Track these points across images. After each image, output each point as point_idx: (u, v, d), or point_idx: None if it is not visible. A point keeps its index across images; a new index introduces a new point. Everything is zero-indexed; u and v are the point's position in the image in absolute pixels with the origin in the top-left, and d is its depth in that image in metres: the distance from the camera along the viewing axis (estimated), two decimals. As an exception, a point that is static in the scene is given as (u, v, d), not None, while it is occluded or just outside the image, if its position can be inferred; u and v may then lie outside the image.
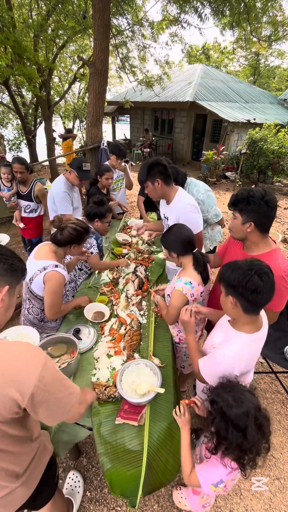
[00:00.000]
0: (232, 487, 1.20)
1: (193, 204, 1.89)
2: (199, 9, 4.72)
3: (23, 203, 3.11)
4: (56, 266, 1.61)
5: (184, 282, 1.53)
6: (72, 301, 1.90)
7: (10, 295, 0.86)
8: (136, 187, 3.70)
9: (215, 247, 3.06)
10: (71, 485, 1.67)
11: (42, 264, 1.60)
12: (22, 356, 0.77)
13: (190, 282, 1.53)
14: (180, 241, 1.56)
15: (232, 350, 1.15)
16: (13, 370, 0.73)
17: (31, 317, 1.77)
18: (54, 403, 0.82)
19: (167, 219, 2.00)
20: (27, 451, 0.96)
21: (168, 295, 1.73)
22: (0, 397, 0.71)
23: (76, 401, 0.90)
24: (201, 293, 1.58)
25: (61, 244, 1.66)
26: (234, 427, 0.92)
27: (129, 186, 3.50)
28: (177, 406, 1.27)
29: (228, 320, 1.28)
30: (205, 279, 1.60)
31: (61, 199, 2.57)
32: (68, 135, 6.89)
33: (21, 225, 3.19)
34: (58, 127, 12.35)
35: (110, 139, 13.81)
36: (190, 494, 1.41)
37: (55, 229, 1.69)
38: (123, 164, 3.26)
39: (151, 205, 3.48)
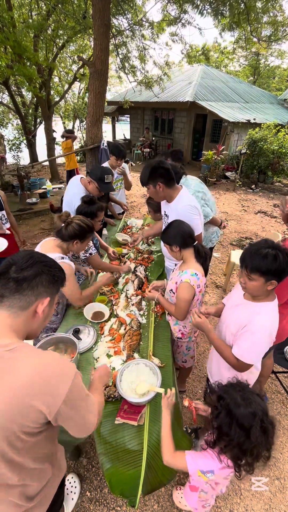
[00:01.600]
0: (225, 486, 1.18)
1: (193, 205, 1.89)
2: (199, 7, 4.70)
3: None
4: (62, 258, 1.66)
5: (190, 273, 1.56)
6: (97, 283, 1.99)
7: (50, 305, 0.87)
8: (136, 188, 3.69)
9: (211, 248, 3.05)
10: (67, 489, 1.64)
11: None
12: (53, 368, 0.74)
13: (196, 273, 1.57)
14: (182, 234, 1.60)
15: (268, 317, 1.22)
16: (43, 382, 0.71)
17: None
18: (78, 420, 0.80)
19: (168, 217, 2.01)
20: (47, 469, 0.91)
21: (171, 290, 1.73)
22: (26, 408, 0.69)
23: (96, 419, 0.88)
24: (204, 284, 1.62)
25: (65, 239, 1.72)
26: (239, 425, 0.91)
27: (128, 187, 3.50)
28: (169, 390, 1.27)
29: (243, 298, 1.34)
30: (205, 271, 1.64)
31: (78, 202, 2.53)
32: (68, 135, 6.87)
33: (8, 231, 2.81)
34: (58, 127, 12.34)
35: (110, 139, 13.81)
36: (188, 491, 1.40)
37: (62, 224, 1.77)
38: (123, 165, 3.25)
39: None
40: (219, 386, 1.06)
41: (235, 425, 0.91)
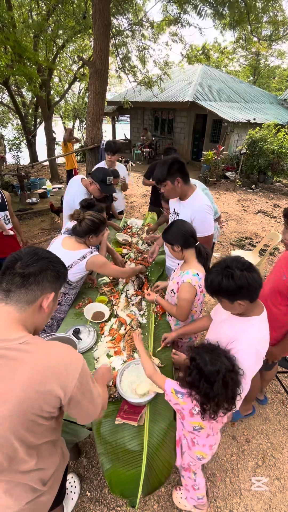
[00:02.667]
0: (205, 446, 1.27)
1: (209, 205, 1.88)
2: (198, 7, 4.70)
3: (1, 214, 2.73)
4: (91, 252, 1.83)
5: (192, 274, 1.56)
6: (132, 268, 2.23)
7: (54, 300, 0.90)
8: (136, 188, 3.69)
9: (213, 244, 3.09)
10: (66, 488, 1.63)
11: (80, 254, 1.80)
12: (65, 357, 0.80)
13: (197, 273, 1.56)
14: (184, 234, 1.59)
15: (254, 335, 1.20)
16: (57, 369, 0.77)
17: None
18: (86, 404, 0.86)
19: (177, 215, 1.98)
20: (56, 454, 0.96)
21: (172, 290, 1.73)
22: (44, 394, 0.74)
23: (101, 405, 0.95)
24: None
25: (81, 235, 1.84)
26: (206, 380, 1.05)
27: (124, 188, 3.50)
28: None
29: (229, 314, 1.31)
30: (206, 271, 1.63)
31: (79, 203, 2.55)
32: (69, 138, 6.83)
33: (11, 232, 2.82)
34: (58, 127, 12.35)
35: (110, 139, 13.80)
36: (184, 490, 1.46)
37: (74, 222, 1.90)
38: (122, 171, 3.24)
39: (157, 196, 3.52)
40: (192, 348, 1.16)
41: (203, 381, 1.06)
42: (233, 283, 1.10)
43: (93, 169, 2.77)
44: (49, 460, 0.91)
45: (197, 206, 1.85)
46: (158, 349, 1.67)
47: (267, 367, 1.82)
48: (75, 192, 2.51)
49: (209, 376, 1.05)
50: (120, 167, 3.30)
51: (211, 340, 1.40)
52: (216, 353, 1.10)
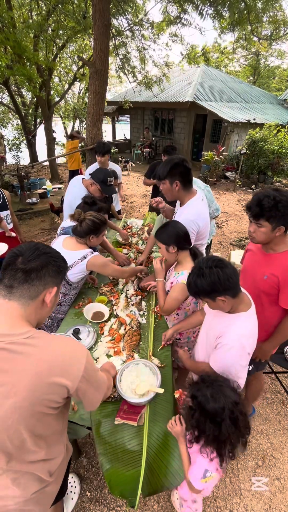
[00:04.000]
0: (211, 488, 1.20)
1: (196, 222, 1.79)
2: (199, 7, 4.70)
3: (2, 213, 2.71)
4: (92, 252, 1.83)
5: (187, 275, 1.54)
6: (134, 267, 2.23)
7: (56, 294, 0.91)
8: (136, 188, 3.69)
9: (209, 244, 3.12)
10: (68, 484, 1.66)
11: (81, 254, 1.80)
12: (70, 348, 0.83)
13: None
14: (178, 234, 1.58)
15: (239, 330, 1.19)
16: (64, 361, 0.79)
17: None
18: (92, 392, 0.90)
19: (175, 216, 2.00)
20: (62, 444, 0.98)
21: (168, 291, 1.73)
22: (52, 385, 0.76)
23: (107, 387, 1.01)
24: None
25: (82, 235, 1.84)
26: (211, 421, 0.97)
27: (118, 187, 3.51)
28: (173, 418, 1.25)
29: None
30: None
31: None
32: (77, 135, 6.81)
33: (13, 234, 2.82)
34: (58, 127, 12.35)
35: (110, 139, 13.82)
36: (180, 490, 1.43)
37: (75, 223, 1.88)
38: (116, 165, 3.24)
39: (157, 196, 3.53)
40: (191, 385, 1.11)
41: (208, 422, 0.98)
42: (205, 281, 1.12)
43: (89, 169, 2.76)
44: (55, 450, 0.93)
45: (183, 219, 1.75)
46: (160, 348, 1.66)
47: (259, 366, 1.81)
48: (76, 193, 2.51)
49: (214, 415, 0.98)
50: (114, 167, 3.31)
51: (202, 339, 1.41)
52: (218, 385, 1.04)
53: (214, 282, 1.11)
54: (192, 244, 1.83)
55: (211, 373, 1.27)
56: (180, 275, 1.58)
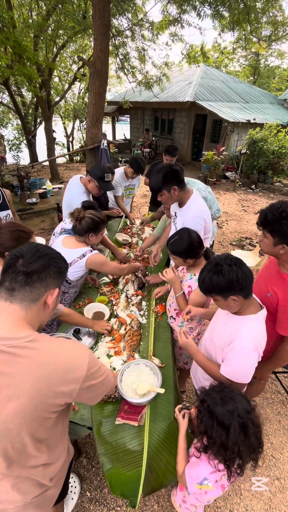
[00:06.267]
0: (226, 487, 1.18)
1: (203, 217, 1.83)
2: (197, 8, 4.70)
3: (2, 213, 2.66)
4: (91, 250, 1.83)
5: None
6: (132, 265, 2.23)
7: (58, 296, 0.90)
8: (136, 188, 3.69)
9: (211, 245, 3.11)
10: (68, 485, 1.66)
11: (80, 252, 1.80)
12: (72, 352, 0.82)
13: None
14: (193, 246, 1.55)
15: (251, 333, 1.17)
16: (67, 364, 0.79)
17: None
18: (94, 393, 0.89)
19: (177, 218, 1.99)
20: (63, 447, 0.97)
21: (184, 293, 1.71)
22: (55, 388, 0.76)
23: (110, 387, 0.98)
24: None
25: (81, 233, 1.85)
26: (218, 423, 0.94)
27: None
28: (178, 407, 1.27)
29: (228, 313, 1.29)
30: None
31: (79, 203, 2.54)
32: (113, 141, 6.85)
33: None
34: (58, 127, 12.35)
35: (110, 139, 13.79)
36: (177, 491, 1.42)
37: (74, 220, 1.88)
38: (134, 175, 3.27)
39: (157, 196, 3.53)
40: (201, 391, 1.09)
41: (215, 425, 0.94)
42: (223, 278, 1.11)
43: (92, 167, 2.76)
44: (56, 453, 0.92)
45: (189, 218, 1.81)
46: (186, 318, 1.57)
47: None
48: (75, 192, 2.51)
49: (221, 418, 0.94)
50: None
51: (207, 341, 1.39)
52: (228, 391, 1.02)
53: (232, 280, 1.10)
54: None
55: (214, 376, 1.27)
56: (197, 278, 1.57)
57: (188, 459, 1.15)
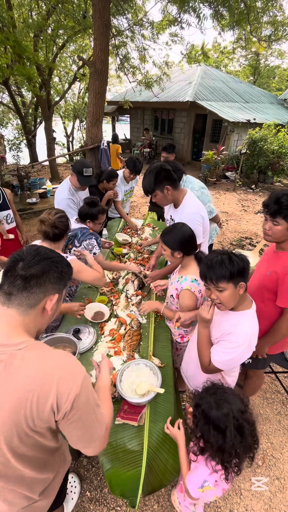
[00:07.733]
0: (225, 487, 1.18)
1: (200, 214, 1.83)
2: (197, 10, 4.71)
3: (2, 214, 2.68)
4: (67, 257, 1.67)
5: (190, 280, 1.55)
6: (123, 264, 2.26)
7: (58, 301, 0.86)
8: (136, 188, 3.69)
9: (211, 245, 3.08)
10: (67, 488, 1.65)
11: None
12: (64, 367, 0.75)
13: (195, 279, 1.55)
14: (185, 239, 1.55)
15: (246, 328, 1.21)
16: (54, 379, 0.71)
17: None
18: (82, 427, 0.77)
19: (173, 221, 1.97)
20: (54, 462, 0.93)
21: (172, 295, 1.72)
22: (37, 403, 0.69)
23: (104, 431, 0.84)
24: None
25: (56, 238, 1.69)
26: (215, 428, 0.94)
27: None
28: (167, 421, 1.26)
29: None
30: None
31: (65, 206, 2.55)
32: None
33: (11, 235, 2.72)
34: (58, 127, 12.34)
35: (110, 139, 13.78)
36: (178, 491, 1.43)
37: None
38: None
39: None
40: (195, 394, 1.09)
41: (212, 429, 0.94)
42: (236, 266, 1.15)
43: (76, 161, 2.78)
44: (46, 469, 0.87)
45: (186, 216, 1.79)
46: (177, 325, 1.60)
47: (258, 364, 1.82)
48: (60, 192, 2.56)
49: (217, 422, 0.94)
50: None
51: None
52: (221, 393, 1.02)
53: (244, 267, 1.15)
54: (202, 239, 1.86)
55: (203, 361, 1.30)
56: (184, 281, 1.57)
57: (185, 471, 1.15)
